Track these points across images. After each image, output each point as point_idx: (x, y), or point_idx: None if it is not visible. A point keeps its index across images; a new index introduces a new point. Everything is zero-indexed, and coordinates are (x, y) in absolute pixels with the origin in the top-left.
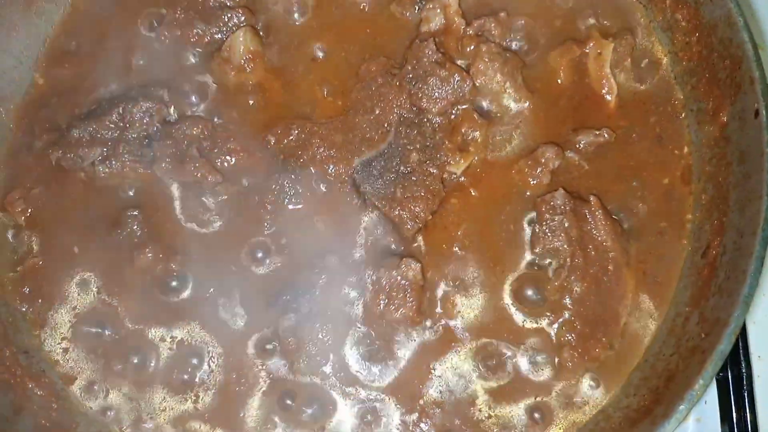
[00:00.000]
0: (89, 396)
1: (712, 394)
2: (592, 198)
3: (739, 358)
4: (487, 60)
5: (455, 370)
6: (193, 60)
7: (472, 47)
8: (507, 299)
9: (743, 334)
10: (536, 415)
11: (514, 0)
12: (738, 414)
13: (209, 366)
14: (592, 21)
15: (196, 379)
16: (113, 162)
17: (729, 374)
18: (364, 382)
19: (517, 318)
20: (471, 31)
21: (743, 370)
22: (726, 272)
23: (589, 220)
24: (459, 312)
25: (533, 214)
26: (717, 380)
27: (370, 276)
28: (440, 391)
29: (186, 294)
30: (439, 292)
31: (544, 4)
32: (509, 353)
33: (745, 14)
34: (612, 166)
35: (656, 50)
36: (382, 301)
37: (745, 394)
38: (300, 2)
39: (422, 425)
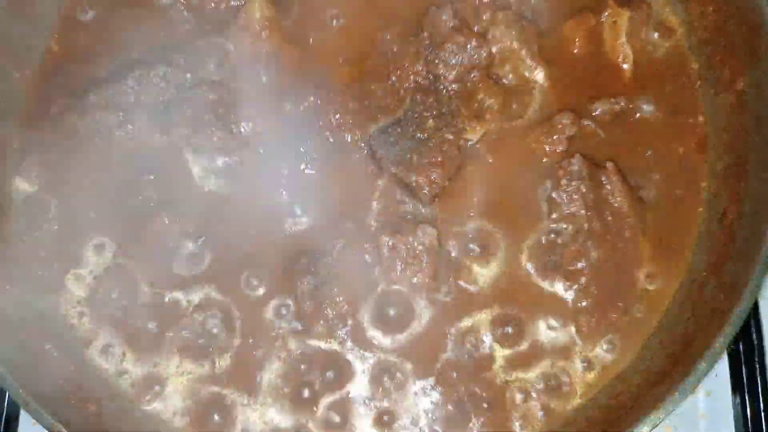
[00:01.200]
0: (106, 359)
1: (723, 368)
2: (608, 164)
3: (750, 332)
4: (503, 27)
5: (472, 336)
6: (209, 26)
7: (489, 15)
8: (523, 265)
9: (754, 307)
10: (553, 380)
11: None
12: (750, 388)
13: (226, 330)
14: None
15: (213, 344)
16: (130, 127)
17: (740, 348)
18: (381, 346)
19: (533, 283)
20: None
21: (755, 343)
22: (744, 237)
23: (606, 186)
24: (475, 278)
25: (550, 181)
26: (728, 354)
27: (387, 242)
28: (457, 356)
29: (203, 258)
30: (456, 258)
31: None
32: (526, 318)
33: None
34: (628, 134)
35: (671, 20)
36: (398, 267)
37: (757, 368)
38: None
39: (439, 389)
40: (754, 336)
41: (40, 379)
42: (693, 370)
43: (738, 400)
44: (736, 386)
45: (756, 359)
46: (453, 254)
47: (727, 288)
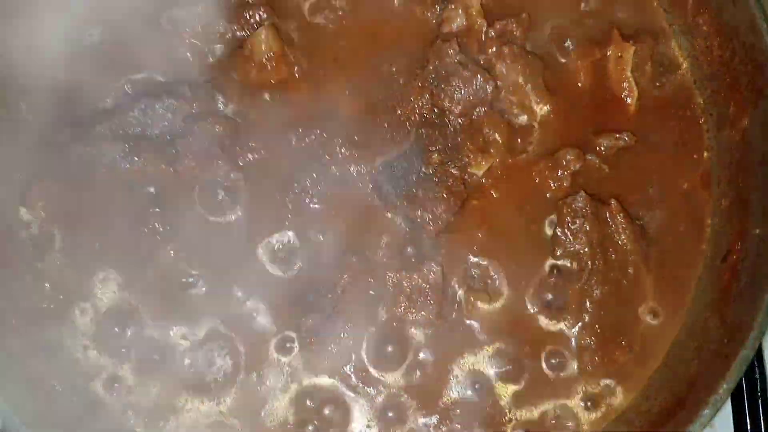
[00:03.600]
0: (110, 394)
1: (726, 403)
2: (612, 201)
3: (753, 365)
4: (509, 62)
5: (475, 373)
6: (215, 57)
7: (494, 49)
8: (527, 302)
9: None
10: (556, 419)
11: (536, 2)
12: (752, 422)
13: (231, 365)
14: (613, 24)
15: (218, 378)
16: (135, 158)
17: (742, 382)
18: (384, 382)
19: (536, 321)
20: (493, 33)
21: (757, 377)
22: (748, 277)
23: (610, 223)
24: (479, 314)
25: (554, 217)
26: None
27: (391, 278)
28: (460, 393)
29: (208, 292)
30: (460, 295)
31: (565, 7)
32: (529, 356)
33: None
34: (632, 169)
35: (677, 54)
36: (402, 304)
37: (759, 402)
38: (323, 3)
39: (442, 427)
40: (757, 371)
41: (44, 417)
42: (696, 417)
43: None
44: (738, 421)
45: (759, 395)
46: (457, 290)
47: (731, 330)
